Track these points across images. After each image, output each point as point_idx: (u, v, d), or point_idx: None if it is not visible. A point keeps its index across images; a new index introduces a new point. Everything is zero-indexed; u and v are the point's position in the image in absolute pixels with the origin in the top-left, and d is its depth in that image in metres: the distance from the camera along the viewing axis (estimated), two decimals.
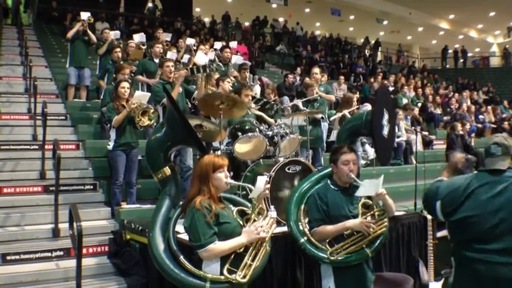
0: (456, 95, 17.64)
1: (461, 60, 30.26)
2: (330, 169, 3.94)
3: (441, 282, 4.89)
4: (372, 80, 15.50)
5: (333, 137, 8.45)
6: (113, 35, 10.15)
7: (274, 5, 25.91)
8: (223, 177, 3.21)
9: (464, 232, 2.99)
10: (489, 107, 17.25)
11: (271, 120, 7.08)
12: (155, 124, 6.24)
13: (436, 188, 3.16)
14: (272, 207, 4.79)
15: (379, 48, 28.76)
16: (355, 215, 3.67)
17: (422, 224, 5.56)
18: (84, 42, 9.81)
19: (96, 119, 8.71)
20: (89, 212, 6.17)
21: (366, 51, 26.58)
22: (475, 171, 3.15)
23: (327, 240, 3.68)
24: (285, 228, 4.33)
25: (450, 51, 30.56)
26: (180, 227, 3.42)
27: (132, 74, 8.27)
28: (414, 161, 9.67)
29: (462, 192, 2.98)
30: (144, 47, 9.99)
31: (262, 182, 3.27)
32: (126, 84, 6.48)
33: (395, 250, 5.43)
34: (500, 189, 2.90)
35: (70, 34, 9.80)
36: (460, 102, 16.30)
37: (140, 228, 5.11)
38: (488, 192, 2.91)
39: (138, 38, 10.28)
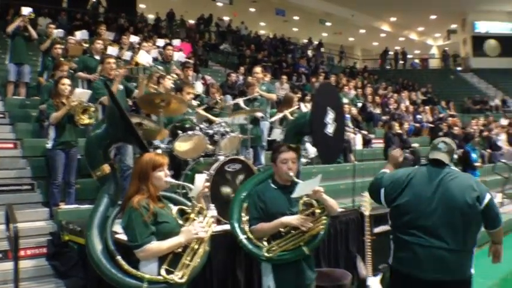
0: (395, 95, 18.05)
1: (402, 62, 31.08)
2: None
3: (379, 277, 5.06)
4: (314, 79, 15.74)
5: (274, 135, 8.57)
6: (56, 33, 9.88)
7: (219, 4, 25.97)
8: (163, 176, 3.18)
9: (402, 217, 3.33)
10: (427, 107, 17.77)
11: (217, 119, 7.02)
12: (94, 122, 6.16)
13: (381, 178, 3.58)
14: (212, 205, 4.88)
15: (322, 48, 29.19)
16: (295, 213, 3.65)
17: (360, 220, 5.67)
18: (24, 38, 9.48)
19: (35, 117, 8.45)
20: (26, 213, 6.01)
21: (309, 51, 26.89)
22: (417, 166, 3.57)
23: (266, 238, 3.69)
24: (225, 227, 4.38)
25: (391, 53, 31.34)
26: (119, 227, 3.36)
27: (72, 71, 8.11)
28: (353, 159, 9.91)
29: (403, 181, 3.36)
30: (86, 45, 9.79)
31: (201, 180, 3.26)
32: (67, 81, 6.34)
33: (333, 246, 5.56)
34: (437, 181, 3.27)
35: (10, 29, 9.43)
36: (399, 102, 16.74)
37: (79, 229, 5.01)
38: (427, 182, 3.29)
39: (80, 35, 10.04)
